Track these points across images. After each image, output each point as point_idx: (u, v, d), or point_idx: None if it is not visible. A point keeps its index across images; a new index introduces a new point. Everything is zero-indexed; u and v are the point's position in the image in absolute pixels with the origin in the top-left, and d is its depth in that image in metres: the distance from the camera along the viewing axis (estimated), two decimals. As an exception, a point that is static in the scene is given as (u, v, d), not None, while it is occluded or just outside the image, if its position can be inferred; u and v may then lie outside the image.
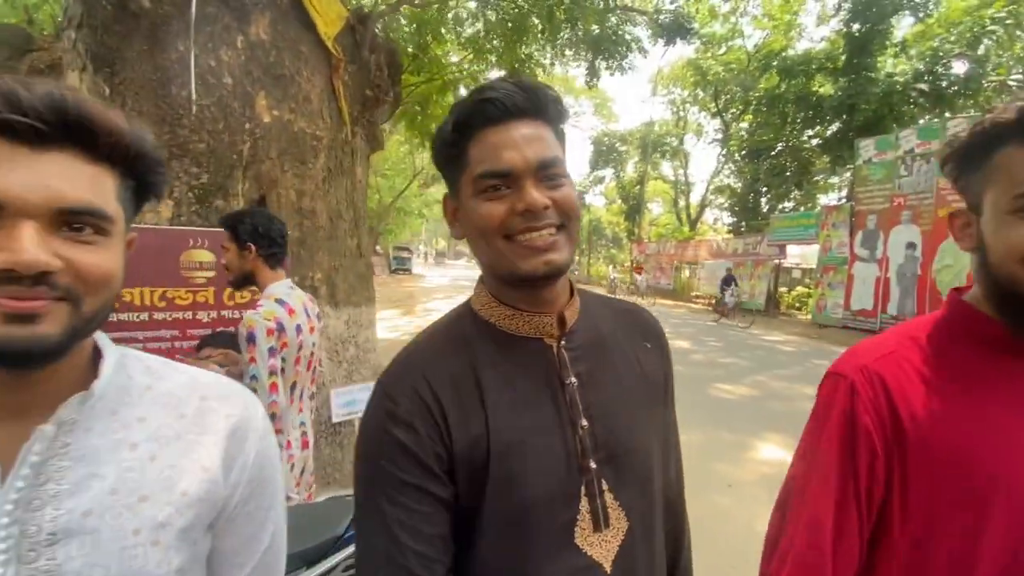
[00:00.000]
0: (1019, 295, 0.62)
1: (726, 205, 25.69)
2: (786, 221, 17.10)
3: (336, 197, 3.57)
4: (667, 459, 0.80)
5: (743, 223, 21.36)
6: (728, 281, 15.41)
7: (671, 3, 10.03)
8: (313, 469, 2.07)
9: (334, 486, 3.29)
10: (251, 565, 0.63)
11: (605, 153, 32.16)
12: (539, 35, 8.31)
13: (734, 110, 23.53)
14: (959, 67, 14.68)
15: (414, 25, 8.47)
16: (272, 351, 1.67)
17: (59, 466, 0.50)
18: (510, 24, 7.87)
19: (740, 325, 14.19)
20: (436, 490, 0.62)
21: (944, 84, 14.71)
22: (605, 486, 0.68)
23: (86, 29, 2.74)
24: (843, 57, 16.55)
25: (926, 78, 14.64)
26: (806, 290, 17.99)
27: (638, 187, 30.29)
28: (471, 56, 9.58)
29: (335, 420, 3.27)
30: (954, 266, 10.63)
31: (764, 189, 20.70)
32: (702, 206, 28.90)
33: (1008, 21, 13.76)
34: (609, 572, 0.66)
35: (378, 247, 28.14)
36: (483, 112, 0.65)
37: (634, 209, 30.82)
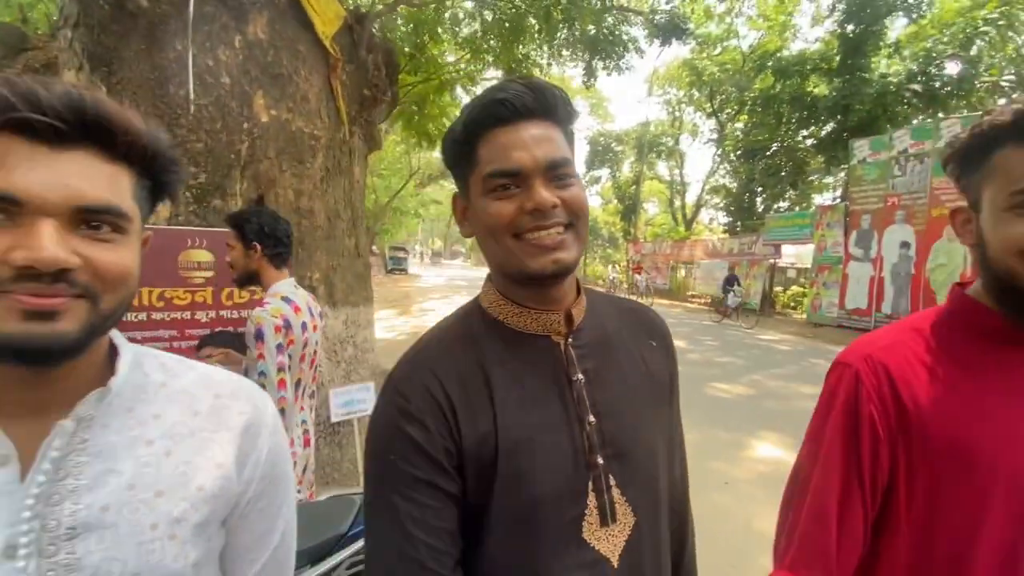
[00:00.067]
0: (1017, 287, 0.65)
1: (721, 205, 25.72)
2: (781, 221, 17.14)
3: (334, 197, 3.57)
4: (672, 458, 0.80)
5: (738, 223, 21.36)
6: (731, 281, 15.19)
7: (667, 3, 10.06)
8: (314, 468, 2.07)
9: (332, 486, 3.29)
10: (263, 561, 0.64)
11: (601, 153, 32.11)
12: (536, 35, 8.30)
13: (729, 110, 23.55)
14: (952, 68, 14.78)
15: (411, 25, 8.44)
16: (280, 348, 1.67)
17: (77, 461, 0.51)
18: (507, 24, 7.86)
19: (744, 326, 13.96)
20: (446, 485, 0.63)
21: (937, 85, 14.78)
22: (612, 482, 0.68)
23: (83, 28, 2.72)
24: (837, 58, 16.59)
25: (919, 79, 14.70)
26: (801, 289, 18.05)
27: (634, 187, 30.30)
28: (468, 56, 9.55)
29: (333, 420, 3.26)
30: (947, 265, 10.71)
31: (759, 189, 20.71)
32: (698, 206, 28.97)
33: (1000, 22, 13.85)
34: (616, 566, 0.67)
35: (374, 247, 28.04)
36: (493, 112, 0.65)
37: (630, 209, 30.81)
